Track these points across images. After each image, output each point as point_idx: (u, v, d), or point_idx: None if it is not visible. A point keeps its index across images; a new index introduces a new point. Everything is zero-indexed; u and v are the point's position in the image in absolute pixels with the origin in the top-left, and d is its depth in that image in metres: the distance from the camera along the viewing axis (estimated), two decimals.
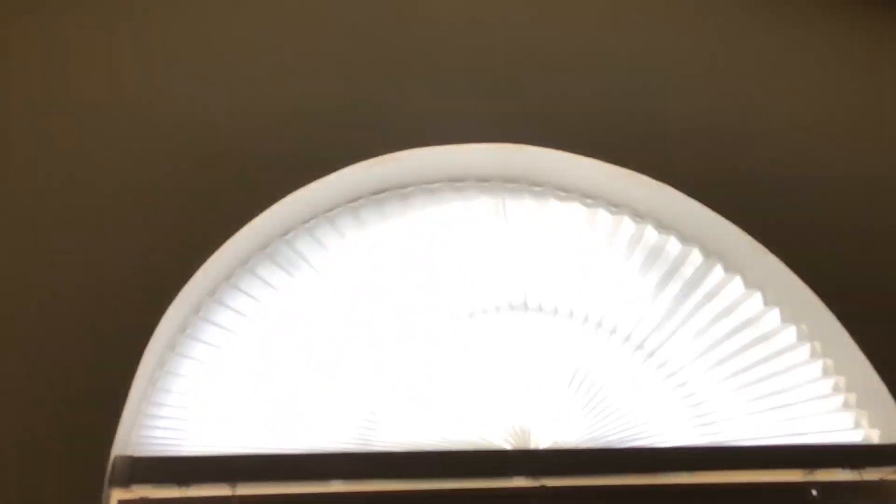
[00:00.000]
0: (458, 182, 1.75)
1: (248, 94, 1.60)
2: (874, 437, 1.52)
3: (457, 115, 1.67)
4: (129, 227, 1.42)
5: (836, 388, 1.59)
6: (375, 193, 1.70)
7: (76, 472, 1.18)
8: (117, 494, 1.24)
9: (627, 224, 1.73)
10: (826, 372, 1.61)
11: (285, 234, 1.61)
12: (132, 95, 1.55)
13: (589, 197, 1.77)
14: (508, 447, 1.42)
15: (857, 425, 1.55)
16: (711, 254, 1.72)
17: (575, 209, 1.74)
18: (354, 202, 1.68)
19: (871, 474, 1.45)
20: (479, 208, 1.70)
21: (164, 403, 1.38)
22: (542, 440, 1.44)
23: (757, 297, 1.68)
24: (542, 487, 1.35)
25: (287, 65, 1.65)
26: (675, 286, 1.67)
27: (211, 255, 1.43)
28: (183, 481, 1.25)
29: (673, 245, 1.73)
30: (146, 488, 1.24)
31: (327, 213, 1.66)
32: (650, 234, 1.73)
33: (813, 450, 1.44)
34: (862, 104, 1.84)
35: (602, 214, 1.74)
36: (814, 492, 1.42)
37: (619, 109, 1.74)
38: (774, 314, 1.66)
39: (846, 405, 1.57)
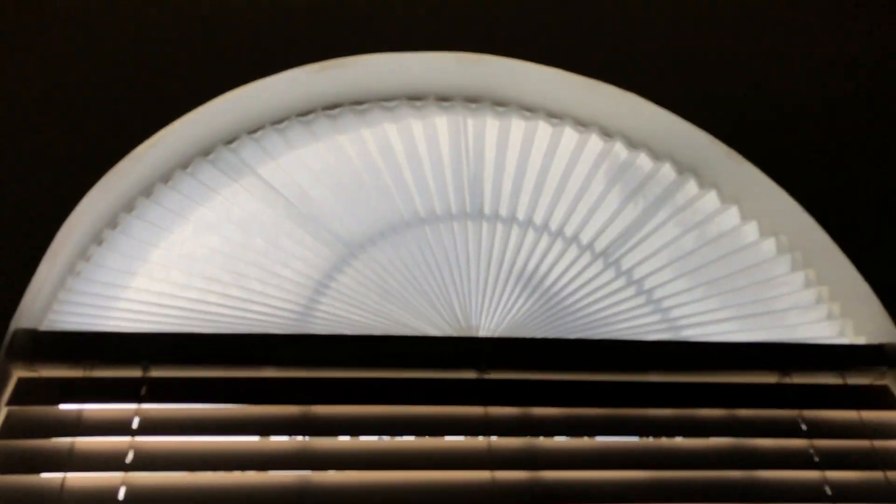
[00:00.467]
0: (417, 101, 1.67)
1: None
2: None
3: (413, 21, 1.60)
4: (57, 108, 1.36)
5: (819, 299, 1.46)
6: (329, 108, 1.63)
7: None
8: (18, 372, 1.15)
9: (595, 142, 1.64)
10: (808, 283, 1.48)
11: (230, 142, 1.54)
12: None
13: (555, 116, 1.68)
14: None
15: (842, 334, 1.42)
16: (685, 169, 1.61)
17: (541, 128, 1.64)
18: (306, 116, 1.61)
19: (856, 378, 1.31)
20: (439, 125, 1.61)
21: (86, 291, 1.29)
22: (493, 332, 1.33)
23: (733, 211, 1.57)
24: (486, 380, 1.23)
25: None
26: (644, 199, 1.57)
27: (142, 143, 1.35)
28: (89, 360, 1.14)
29: (643, 161, 1.63)
30: (49, 368, 1.15)
31: (276, 124, 1.58)
32: (619, 150, 1.64)
33: (790, 349, 1.30)
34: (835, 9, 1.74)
35: (568, 133, 1.64)
36: (792, 396, 1.28)
37: (583, 16, 1.66)
38: (752, 227, 1.55)
39: (830, 315, 1.44)
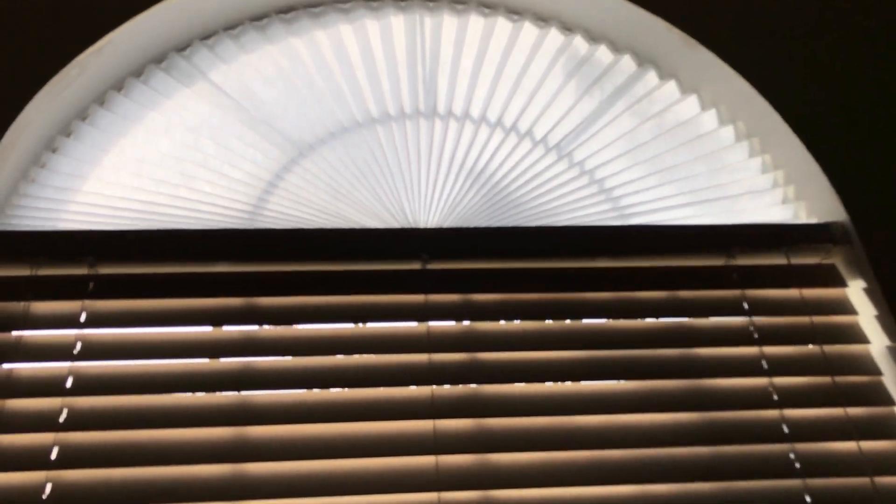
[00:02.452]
0: (373, 2, 1.65)
1: None
2: None
3: None
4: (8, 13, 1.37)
5: (774, 183, 1.45)
6: (284, 12, 1.62)
7: None
8: None
9: (554, 36, 1.62)
10: (765, 168, 1.47)
11: (183, 49, 1.54)
12: None
13: (515, 12, 1.65)
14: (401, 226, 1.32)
15: (797, 217, 1.41)
16: (645, 61, 1.59)
17: (499, 25, 1.62)
18: (261, 20, 1.60)
19: (801, 257, 1.31)
20: (395, 25, 1.60)
21: (38, 196, 1.32)
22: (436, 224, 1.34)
23: (692, 100, 1.55)
24: (428, 270, 1.25)
25: None
26: (602, 91, 1.55)
27: (87, 49, 1.36)
28: (37, 259, 1.18)
29: (603, 53, 1.61)
30: None
31: (230, 30, 1.58)
32: (579, 44, 1.62)
33: (735, 230, 1.30)
34: None
35: (528, 28, 1.62)
36: (736, 277, 1.28)
37: None
38: (711, 115, 1.53)
39: (785, 199, 1.44)
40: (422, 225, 1.35)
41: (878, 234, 1.27)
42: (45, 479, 1.03)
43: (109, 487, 1.02)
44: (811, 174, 1.38)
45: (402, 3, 1.64)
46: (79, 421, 1.07)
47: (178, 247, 1.21)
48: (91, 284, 1.18)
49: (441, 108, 1.51)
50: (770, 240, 1.29)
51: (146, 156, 1.39)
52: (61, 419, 1.07)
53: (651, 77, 1.58)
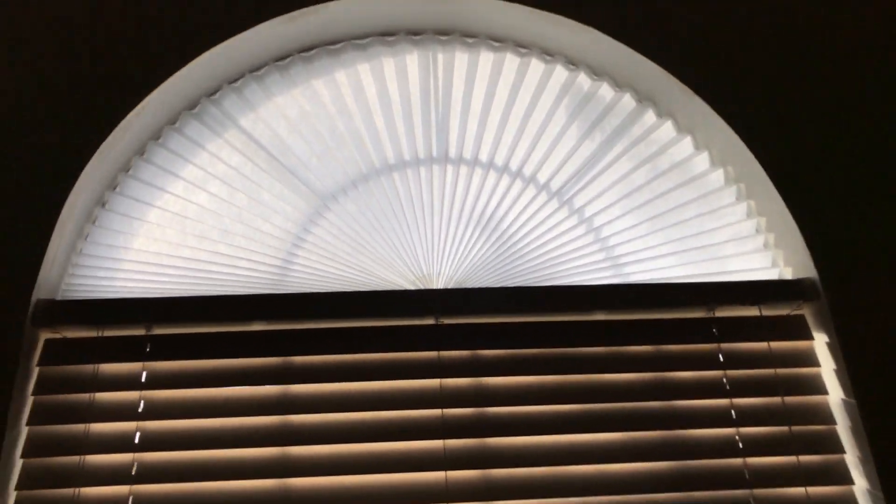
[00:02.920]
0: (388, 36, 1.74)
1: None
2: (788, 274, 1.53)
3: None
4: (50, 81, 1.49)
5: (758, 229, 1.59)
6: (305, 51, 1.72)
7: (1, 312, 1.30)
8: (44, 334, 1.37)
9: (560, 72, 1.72)
10: (750, 213, 1.60)
11: (213, 93, 1.66)
12: None
13: (523, 47, 1.75)
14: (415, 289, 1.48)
15: (775, 264, 1.56)
16: (644, 98, 1.70)
17: (508, 59, 1.72)
18: (282, 60, 1.70)
19: (773, 310, 1.47)
20: (409, 63, 1.70)
21: (93, 255, 1.48)
22: (448, 283, 1.50)
23: (687, 141, 1.67)
24: (441, 325, 1.42)
25: None
26: (602, 133, 1.67)
27: (131, 110, 1.48)
28: (102, 322, 1.35)
29: (605, 91, 1.71)
30: (69, 329, 1.36)
31: (255, 72, 1.69)
32: (583, 80, 1.72)
33: (715, 287, 1.45)
34: None
35: (535, 63, 1.72)
36: (714, 330, 1.45)
37: None
38: (703, 157, 1.65)
39: (766, 245, 1.58)
40: (435, 277, 1.51)
41: (843, 292, 1.42)
42: None
43: None
44: (787, 226, 1.51)
45: (416, 38, 1.74)
46: (148, 474, 1.27)
47: (221, 309, 1.37)
48: (148, 346, 1.36)
49: (452, 153, 1.63)
50: (746, 295, 1.45)
51: (186, 210, 1.54)
52: (132, 472, 1.28)
53: (649, 116, 1.69)
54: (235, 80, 1.68)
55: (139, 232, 1.52)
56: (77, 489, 1.26)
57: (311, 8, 1.62)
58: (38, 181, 1.42)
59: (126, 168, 1.57)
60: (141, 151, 1.59)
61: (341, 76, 1.68)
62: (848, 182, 1.51)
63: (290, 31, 1.65)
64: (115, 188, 1.55)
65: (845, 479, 1.33)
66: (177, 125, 1.62)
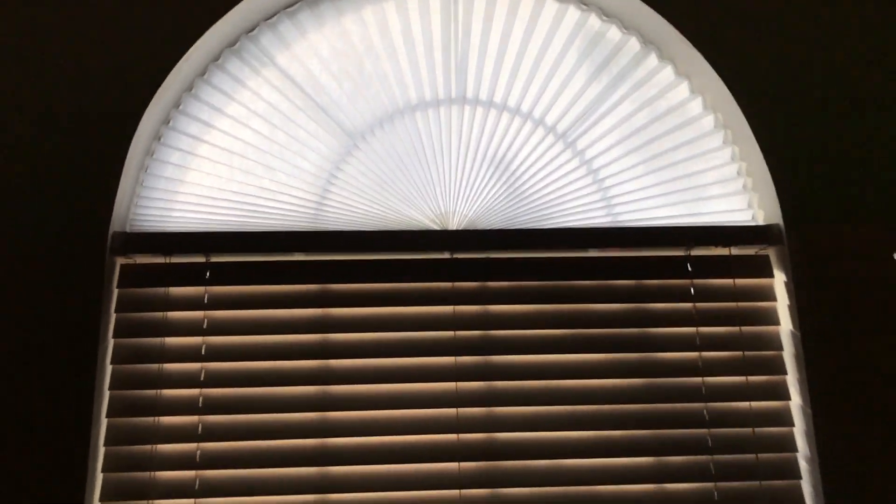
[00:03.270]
0: None
1: None
2: (760, 217, 1.75)
3: None
4: (111, 28, 1.66)
5: (739, 172, 1.79)
6: None
7: (84, 243, 1.55)
8: (119, 260, 1.62)
9: (573, 12, 1.86)
10: (734, 157, 1.80)
11: (251, 30, 1.81)
12: None
13: None
14: (434, 227, 1.72)
15: (750, 206, 1.78)
16: (648, 41, 1.85)
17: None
18: None
19: (741, 250, 1.70)
20: (431, 4, 1.84)
21: (154, 186, 1.70)
22: (462, 222, 1.73)
23: (684, 86, 1.84)
24: (454, 259, 1.67)
25: None
26: (608, 75, 1.83)
27: (185, 52, 1.66)
28: (167, 252, 1.61)
29: (614, 33, 1.86)
30: (141, 256, 1.62)
31: (288, 8, 1.83)
32: (593, 21, 1.86)
33: (690, 230, 1.68)
34: None
35: (550, 3, 1.86)
36: (689, 266, 1.69)
37: None
38: (697, 102, 1.83)
39: (745, 187, 1.78)
40: (450, 214, 1.73)
41: (802, 240, 1.64)
42: (195, 423, 1.55)
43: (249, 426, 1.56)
44: (762, 174, 1.72)
45: None
46: (213, 380, 1.57)
47: (268, 242, 1.62)
48: (208, 272, 1.62)
49: (470, 93, 1.81)
50: (719, 238, 1.68)
51: (233, 146, 1.74)
52: (201, 377, 1.58)
53: (652, 59, 1.85)
54: (271, 17, 1.82)
55: (192, 165, 1.73)
56: (158, 391, 1.56)
57: None
58: (105, 124, 1.62)
59: (176, 104, 1.76)
60: (189, 87, 1.77)
61: (368, 14, 1.83)
62: (822, 142, 1.70)
63: None
64: (168, 123, 1.75)
65: (784, 396, 1.62)
66: (219, 62, 1.79)
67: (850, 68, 1.74)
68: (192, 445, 1.54)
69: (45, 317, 1.51)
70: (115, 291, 1.61)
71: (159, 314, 1.60)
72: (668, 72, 1.84)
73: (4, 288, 1.52)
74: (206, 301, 1.61)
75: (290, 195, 1.72)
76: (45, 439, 1.46)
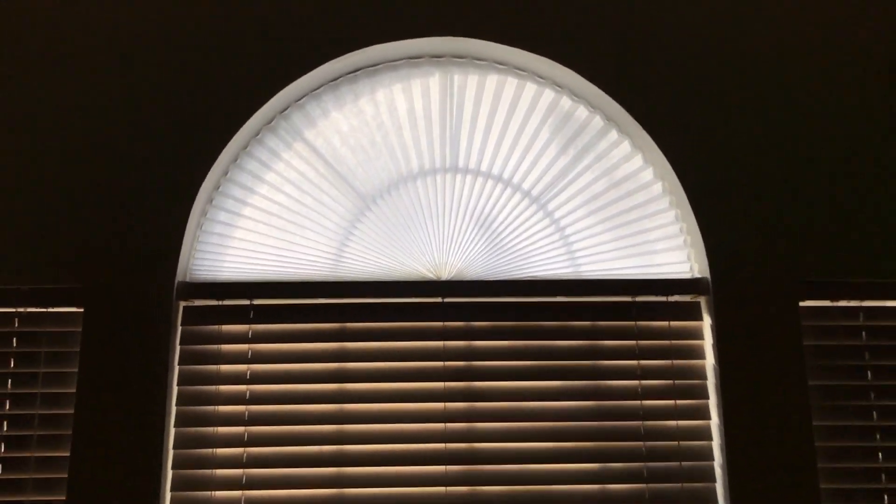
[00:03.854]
0: (416, 59, 2.28)
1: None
2: (696, 270, 2.16)
3: (411, 8, 2.16)
4: (175, 113, 2.10)
5: (681, 231, 2.21)
6: (351, 72, 2.27)
7: (158, 291, 2.00)
8: (183, 304, 2.08)
9: (548, 94, 2.26)
10: (677, 218, 2.21)
11: (284, 110, 2.24)
12: None
13: (521, 69, 2.28)
14: (431, 276, 2.15)
15: (689, 259, 2.19)
16: (610, 119, 2.25)
17: (509, 81, 2.27)
18: (334, 81, 2.26)
19: (677, 298, 2.12)
20: (432, 83, 2.25)
21: (207, 242, 2.15)
22: (452, 272, 2.16)
23: (638, 157, 2.24)
24: (445, 302, 2.10)
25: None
26: (575, 148, 2.24)
27: (235, 133, 2.10)
28: (220, 297, 2.06)
29: (581, 111, 2.26)
30: (199, 300, 2.07)
31: (314, 91, 2.25)
32: (565, 101, 2.27)
33: (636, 282, 2.10)
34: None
35: (529, 86, 2.26)
36: (634, 310, 2.11)
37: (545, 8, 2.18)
38: (649, 171, 2.23)
39: (685, 243, 2.20)
40: (443, 265, 2.16)
41: (724, 291, 2.06)
42: (242, 432, 2.02)
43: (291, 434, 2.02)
44: (696, 234, 2.13)
45: (438, 60, 2.28)
46: (257, 399, 2.03)
47: (299, 289, 2.07)
48: (251, 313, 2.07)
49: (461, 163, 2.23)
50: (659, 288, 2.10)
51: (270, 208, 2.18)
52: (246, 396, 2.04)
53: (612, 134, 2.25)
54: (300, 99, 2.25)
55: (238, 224, 2.17)
56: (215, 407, 2.02)
57: (358, 51, 2.16)
58: (170, 192, 2.06)
59: (225, 173, 2.20)
60: (235, 158, 2.21)
61: (379, 95, 2.24)
62: (746, 207, 2.10)
63: (340, 65, 2.20)
64: (218, 188, 2.19)
65: (706, 416, 2.05)
66: (259, 136, 2.22)
67: (772, 148, 2.14)
68: (240, 450, 2.00)
69: (129, 350, 1.96)
70: (180, 328, 2.07)
71: (214, 346, 2.05)
72: (625, 145, 2.24)
73: (99, 327, 1.98)
74: (250, 336, 2.06)
75: (315, 249, 2.16)
76: (128, 444, 1.92)
